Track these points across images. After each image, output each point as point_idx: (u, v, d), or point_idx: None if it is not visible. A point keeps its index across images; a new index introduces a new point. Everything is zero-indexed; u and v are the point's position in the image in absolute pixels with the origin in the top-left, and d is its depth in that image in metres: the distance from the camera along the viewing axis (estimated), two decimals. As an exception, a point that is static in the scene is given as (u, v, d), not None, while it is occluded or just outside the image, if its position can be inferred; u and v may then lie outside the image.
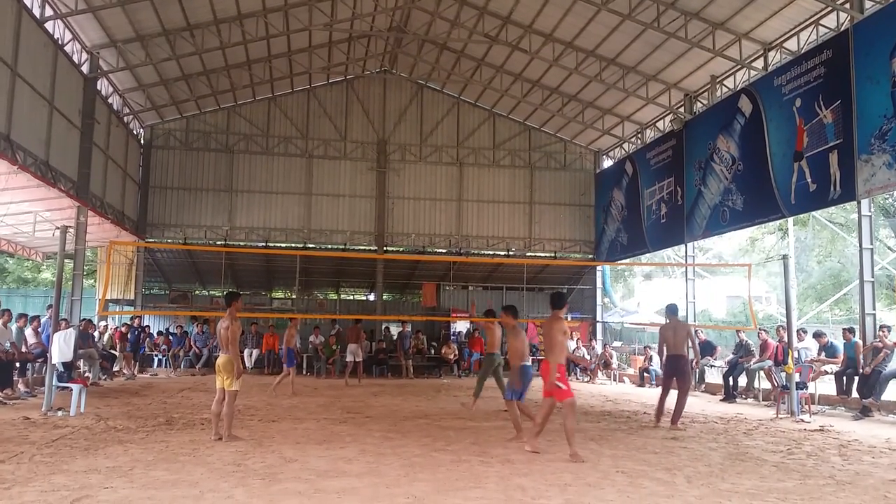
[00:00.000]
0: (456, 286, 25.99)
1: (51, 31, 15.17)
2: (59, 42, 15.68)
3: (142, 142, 23.22)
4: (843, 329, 13.29)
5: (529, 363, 9.14)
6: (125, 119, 21.17)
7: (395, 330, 23.15)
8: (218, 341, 8.75)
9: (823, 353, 13.71)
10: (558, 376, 7.59)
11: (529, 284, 25.67)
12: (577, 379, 20.98)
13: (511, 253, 25.22)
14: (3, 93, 12.98)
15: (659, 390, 16.96)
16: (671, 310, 11.18)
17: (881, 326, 12.54)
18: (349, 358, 18.15)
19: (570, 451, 7.40)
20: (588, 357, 21.43)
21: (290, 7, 18.59)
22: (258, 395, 13.59)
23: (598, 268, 25.58)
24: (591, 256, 25.30)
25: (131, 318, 20.59)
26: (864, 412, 11.66)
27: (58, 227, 12.43)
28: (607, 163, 25.43)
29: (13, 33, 13.21)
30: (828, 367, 13.33)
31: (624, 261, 24.45)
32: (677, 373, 10.70)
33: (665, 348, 10.79)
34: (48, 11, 14.92)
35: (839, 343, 13.60)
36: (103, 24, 16.73)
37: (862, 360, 12.28)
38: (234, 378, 8.23)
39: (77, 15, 15.70)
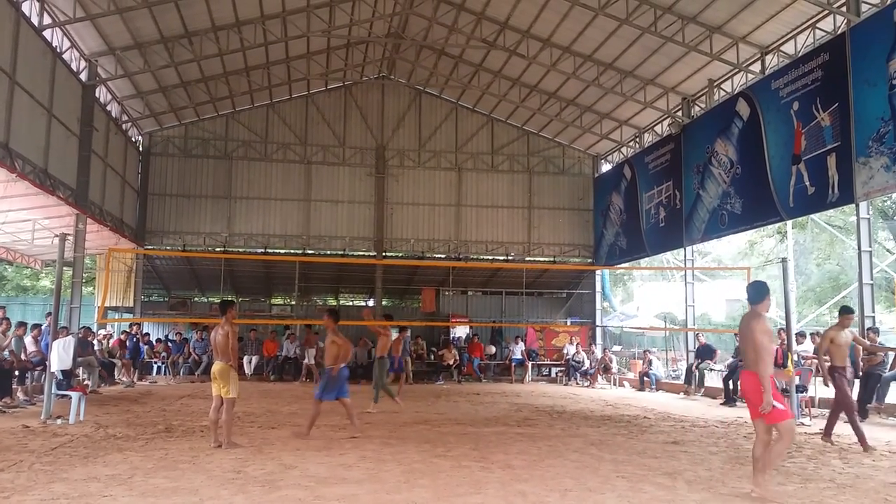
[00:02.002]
0: (455, 291, 26.01)
1: (49, 39, 15.20)
2: (58, 50, 15.70)
3: (140, 149, 23.24)
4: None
5: (329, 368, 9.50)
6: (124, 126, 21.19)
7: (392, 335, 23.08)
8: (212, 349, 8.77)
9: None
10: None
11: (529, 289, 25.68)
12: (577, 384, 20.97)
13: (510, 258, 25.23)
14: (2, 101, 13.01)
15: (658, 395, 16.97)
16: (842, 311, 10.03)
17: (868, 329, 12.55)
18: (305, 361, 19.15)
19: (753, 481, 6.11)
20: (588, 362, 21.42)
21: (288, 14, 18.62)
22: (257, 402, 13.57)
23: (598, 272, 25.58)
24: (590, 261, 25.30)
25: (130, 326, 20.57)
26: (862, 415, 11.64)
27: (56, 235, 12.42)
28: (606, 167, 25.45)
29: (12, 42, 13.24)
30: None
31: (623, 265, 24.45)
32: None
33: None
34: (46, 19, 14.95)
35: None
36: (101, 31, 16.75)
37: (861, 364, 12.29)
38: (230, 385, 8.24)
39: (75, 23, 15.73)
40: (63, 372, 11.67)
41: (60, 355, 11.41)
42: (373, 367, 13.47)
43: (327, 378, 9.45)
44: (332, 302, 28.89)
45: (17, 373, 12.79)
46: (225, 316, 8.53)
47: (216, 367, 8.38)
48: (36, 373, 13.78)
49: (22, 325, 14.05)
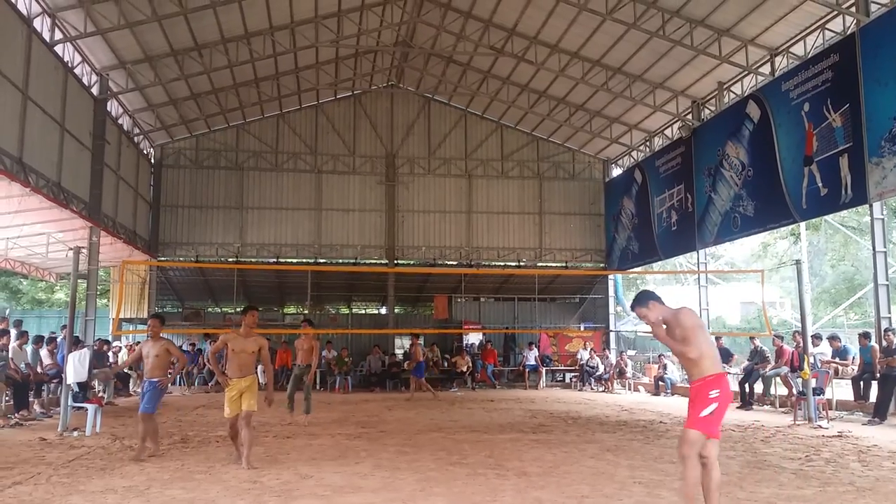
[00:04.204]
0: (467, 298, 25.98)
1: (61, 54, 15.33)
2: (69, 65, 15.84)
3: (152, 161, 23.38)
4: (859, 334, 13.19)
5: (157, 380, 8.47)
6: (135, 139, 21.33)
7: (405, 343, 23.12)
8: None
9: (837, 358, 13.63)
10: None
11: (541, 295, 25.61)
12: (592, 389, 20.89)
13: (522, 263, 25.19)
14: (15, 116, 13.12)
15: (673, 399, 16.85)
16: None
17: (886, 330, 12.46)
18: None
19: None
20: (603, 367, 21.32)
21: (297, 25, 18.72)
22: (272, 412, 13.57)
23: (610, 277, 25.51)
24: (602, 265, 25.24)
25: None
26: (881, 417, 11.54)
27: (71, 248, 12.53)
28: (616, 171, 25.41)
29: (24, 58, 13.37)
30: (840, 368, 13.29)
31: (636, 269, 24.37)
32: None
33: None
34: (58, 35, 15.09)
35: (852, 347, 13.56)
36: (112, 45, 16.88)
37: (878, 366, 12.19)
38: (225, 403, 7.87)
39: (86, 38, 15.85)
40: (79, 384, 11.73)
41: (76, 368, 11.46)
42: (294, 375, 12.42)
43: (154, 390, 8.44)
44: (345, 310, 28.90)
45: (33, 385, 12.86)
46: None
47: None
48: (52, 385, 13.87)
49: (39, 339, 14.14)
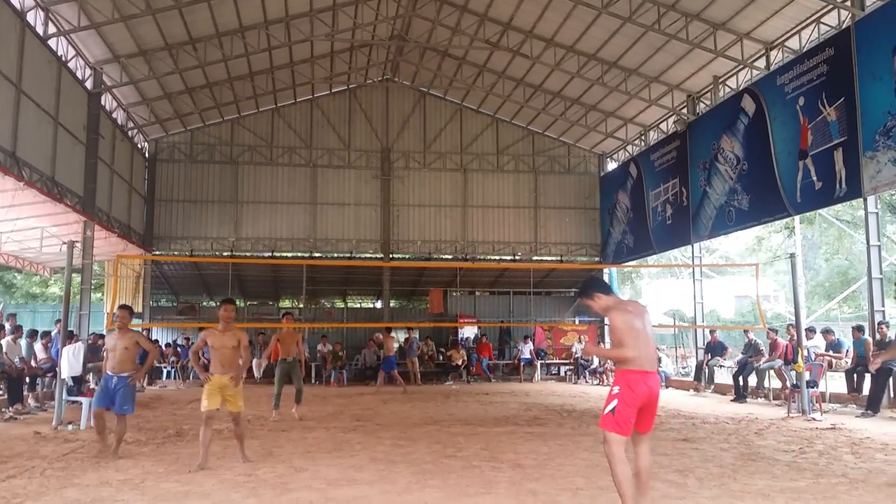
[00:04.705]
0: (462, 292, 26.00)
1: (54, 47, 15.26)
2: (63, 59, 15.77)
3: (146, 155, 23.32)
4: (853, 327, 13.25)
5: (127, 375, 7.99)
6: (130, 133, 21.26)
7: (401, 336, 23.16)
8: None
9: (831, 351, 13.70)
10: None
11: (536, 288, 25.63)
12: (587, 382, 20.93)
13: (517, 258, 25.21)
14: (9, 110, 13.07)
15: (668, 392, 16.89)
16: None
17: (879, 323, 12.49)
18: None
19: None
20: (597, 361, 21.36)
21: (292, 18, 18.66)
22: (267, 405, 13.59)
23: (605, 270, 25.55)
24: (597, 259, 25.28)
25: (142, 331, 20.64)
26: (874, 410, 11.59)
27: (64, 242, 12.48)
28: (611, 165, 25.42)
29: (17, 51, 13.31)
30: (833, 361, 13.36)
31: (630, 263, 24.41)
32: None
33: None
34: (51, 28, 15.02)
35: (846, 340, 13.63)
36: (106, 39, 16.81)
37: (871, 358, 12.25)
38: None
39: (80, 31, 15.80)
40: (73, 378, 11.72)
41: (70, 362, 11.46)
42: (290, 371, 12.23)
43: (126, 387, 7.95)
44: (340, 304, 28.89)
45: (27, 379, 12.85)
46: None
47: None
48: (46, 379, 13.85)
49: (34, 332, 14.12)
